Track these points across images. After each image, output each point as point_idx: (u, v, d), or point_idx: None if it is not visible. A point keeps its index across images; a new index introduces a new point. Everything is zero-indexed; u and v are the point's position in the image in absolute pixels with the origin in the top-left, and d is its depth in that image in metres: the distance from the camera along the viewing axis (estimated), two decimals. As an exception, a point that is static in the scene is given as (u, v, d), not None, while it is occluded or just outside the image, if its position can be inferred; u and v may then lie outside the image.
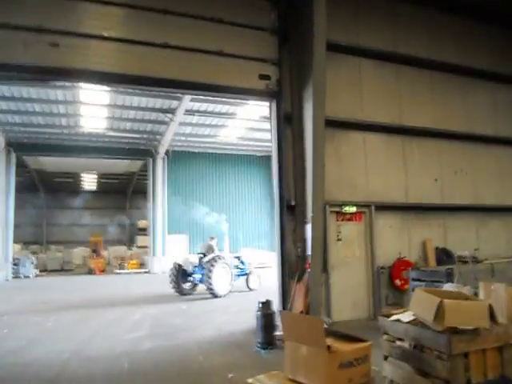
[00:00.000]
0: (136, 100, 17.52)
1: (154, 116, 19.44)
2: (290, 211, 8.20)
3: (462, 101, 10.56)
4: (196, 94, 13.23)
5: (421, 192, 9.71)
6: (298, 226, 8.17)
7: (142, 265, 24.85)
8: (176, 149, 24.27)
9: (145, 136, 22.10)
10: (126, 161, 25.72)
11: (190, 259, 13.58)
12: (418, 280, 7.26)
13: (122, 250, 29.13)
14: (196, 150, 25.06)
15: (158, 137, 22.17)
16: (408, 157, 9.71)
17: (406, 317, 4.18)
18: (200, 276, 12.98)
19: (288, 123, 8.37)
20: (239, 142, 24.21)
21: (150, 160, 24.00)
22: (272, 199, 25.92)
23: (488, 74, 10.78)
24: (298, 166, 8.32)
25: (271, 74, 8.28)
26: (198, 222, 24.52)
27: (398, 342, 4.18)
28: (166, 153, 23.90)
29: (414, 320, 4.09)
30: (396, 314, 4.43)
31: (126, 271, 23.51)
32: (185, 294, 13.22)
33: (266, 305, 6.94)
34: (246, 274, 14.30)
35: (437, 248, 9.72)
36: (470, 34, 10.72)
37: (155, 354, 6.55)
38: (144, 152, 23.56)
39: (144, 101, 17.69)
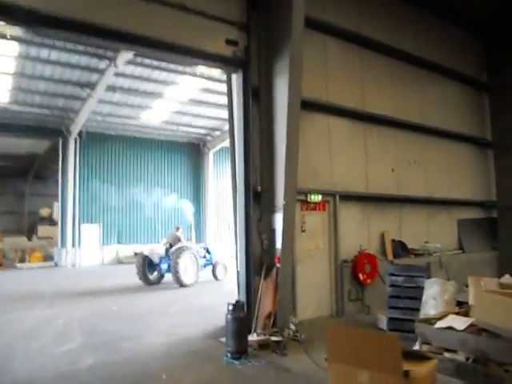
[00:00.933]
0: (49, 70, 15.16)
1: (68, 90, 17.10)
2: (256, 199, 7.22)
3: (417, 92, 10.45)
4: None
5: (380, 182, 9.36)
6: (264, 215, 7.24)
7: (47, 257, 22.05)
8: (91, 130, 21.75)
9: (56, 113, 19.42)
10: (29, 140, 22.55)
11: (155, 250, 13.59)
12: (396, 275, 6.74)
13: (21, 241, 25.70)
14: (113, 133, 22.75)
15: (71, 115, 19.66)
16: (369, 145, 9.28)
17: (460, 323, 3.48)
18: (166, 266, 13.03)
19: (255, 99, 7.36)
20: (163, 125, 22.51)
21: (60, 141, 21.32)
22: (196, 188, 24.74)
23: (440, 68, 10.78)
24: (264, 148, 7.37)
25: (239, 40, 7.18)
26: (113, 211, 22.49)
27: (448, 355, 3.47)
28: (79, 134, 21.34)
29: (471, 327, 3.41)
30: (439, 318, 3.73)
31: (28, 265, 20.63)
32: (151, 284, 13.17)
33: (238, 306, 5.93)
34: (213, 265, 14.24)
35: (393, 240, 9.45)
36: (427, 27, 10.62)
37: (101, 374, 5.20)
38: (53, 131, 20.78)
39: (58, 72, 15.37)
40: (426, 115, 10.48)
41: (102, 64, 14.89)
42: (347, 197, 8.63)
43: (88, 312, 9.17)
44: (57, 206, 23.48)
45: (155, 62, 15.13)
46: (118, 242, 22.70)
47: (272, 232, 7.17)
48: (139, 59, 14.74)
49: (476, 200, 11.76)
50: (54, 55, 14.12)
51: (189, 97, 18.81)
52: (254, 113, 7.32)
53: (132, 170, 23.40)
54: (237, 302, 6.02)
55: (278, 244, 6.97)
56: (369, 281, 8.43)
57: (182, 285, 12.53)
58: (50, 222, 28.69)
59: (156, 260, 13.21)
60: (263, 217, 7.23)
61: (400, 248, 9.45)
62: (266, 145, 7.37)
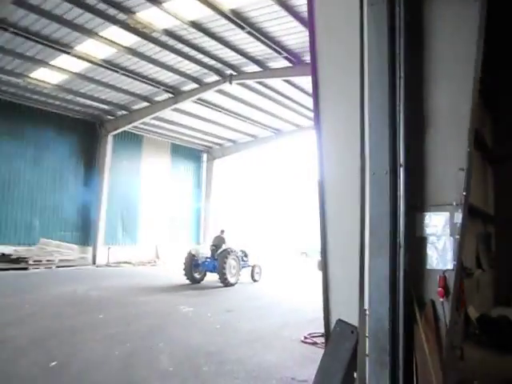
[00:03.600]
0: None
1: None
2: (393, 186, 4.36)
3: None
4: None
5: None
6: (411, 213, 4.42)
7: None
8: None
9: None
10: None
11: (200, 250, 14.95)
12: None
13: None
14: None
15: None
16: None
17: None
18: (211, 266, 14.09)
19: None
20: (54, 91, 17.32)
21: None
22: (88, 175, 19.70)
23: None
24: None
25: None
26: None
27: None
28: None
29: None
30: None
31: None
32: (196, 282, 14.20)
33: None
34: (250, 266, 15.32)
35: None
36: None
37: None
38: None
39: None
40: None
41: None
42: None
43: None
44: None
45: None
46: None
47: (418, 242, 4.40)
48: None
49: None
50: None
51: (103, 55, 14.52)
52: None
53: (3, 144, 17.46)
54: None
55: (444, 264, 4.24)
56: None
57: (226, 284, 13.62)
58: None
59: (202, 260, 14.31)
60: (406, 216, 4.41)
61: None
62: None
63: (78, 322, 7.64)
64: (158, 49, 14.07)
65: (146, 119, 19.93)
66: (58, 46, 13.46)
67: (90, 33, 12.87)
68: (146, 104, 19.03)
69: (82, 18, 12.06)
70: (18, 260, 16.55)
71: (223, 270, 13.54)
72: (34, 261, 16.83)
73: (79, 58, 14.31)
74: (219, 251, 14.14)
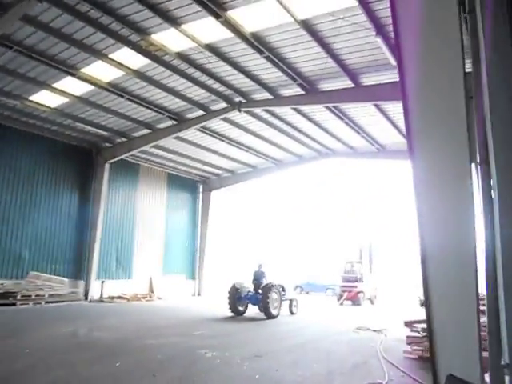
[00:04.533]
0: None
1: None
2: None
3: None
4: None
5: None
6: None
7: None
8: None
9: None
10: None
11: (243, 284, 15.50)
12: None
13: None
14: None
15: None
16: None
17: None
18: (254, 299, 14.92)
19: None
20: (53, 116, 16.49)
21: None
22: (83, 205, 18.66)
23: None
24: None
25: None
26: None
27: None
28: None
29: None
30: None
31: None
32: (239, 315, 14.90)
33: None
34: (287, 300, 16.03)
35: None
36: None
37: None
38: None
39: None
40: None
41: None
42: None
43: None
44: None
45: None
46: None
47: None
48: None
49: None
50: None
51: (109, 78, 13.88)
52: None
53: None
54: None
55: None
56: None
57: (269, 316, 14.30)
58: None
59: (244, 293, 15.13)
60: None
61: None
62: None
63: (94, 373, 6.58)
64: (167, 73, 13.50)
65: (146, 147, 19.15)
66: (64, 66, 12.78)
67: (99, 54, 12.25)
68: (146, 131, 18.31)
69: (93, 37, 11.46)
70: (6, 295, 15.20)
71: (267, 303, 14.27)
72: (23, 296, 15.49)
73: (84, 80, 13.61)
74: (262, 285, 15.01)
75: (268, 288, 14.62)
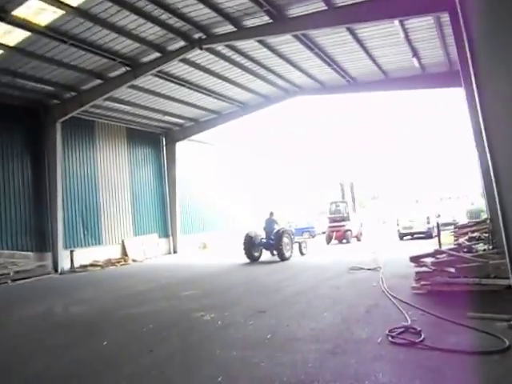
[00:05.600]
0: None
1: None
2: None
3: None
4: None
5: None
6: None
7: None
8: None
9: None
10: None
11: (256, 232, 16.72)
12: None
13: None
14: None
15: None
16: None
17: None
18: (268, 245, 16.33)
19: None
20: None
21: None
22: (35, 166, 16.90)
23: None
24: None
25: None
26: None
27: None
28: None
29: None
30: None
31: None
32: (254, 260, 16.15)
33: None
34: (298, 243, 17.24)
35: None
36: None
37: None
38: None
39: None
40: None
41: None
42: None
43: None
44: None
45: None
46: None
47: None
48: None
49: None
50: None
51: (48, 20, 11.96)
52: None
53: None
54: None
55: None
56: None
57: (283, 259, 15.46)
58: None
59: (258, 240, 16.37)
60: None
61: None
62: None
63: (80, 358, 5.60)
64: (115, 8, 11.70)
65: (99, 101, 17.32)
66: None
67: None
68: (98, 82, 16.43)
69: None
70: (-35, 277, 13.80)
71: (280, 247, 15.49)
72: (-16, 277, 14.11)
73: (17, 25, 11.63)
74: (274, 231, 15.98)
75: (280, 234, 15.73)
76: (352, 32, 14.05)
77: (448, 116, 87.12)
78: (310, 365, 4.62)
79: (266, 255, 16.80)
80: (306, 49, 15.23)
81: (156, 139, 24.37)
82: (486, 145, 4.76)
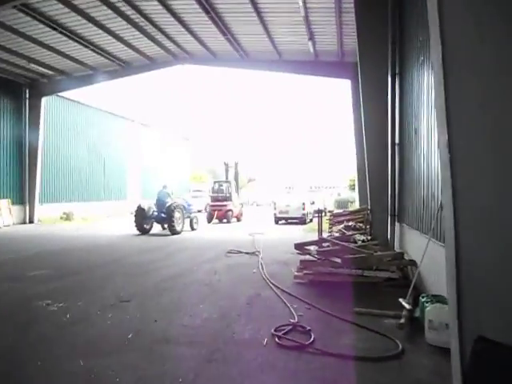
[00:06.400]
0: None
1: None
2: None
3: None
4: None
5: None
6: None
7: None
8: None
9: None
10: None
11: (149, 204, 16.47)
12: None
13: None
14: None
15: None
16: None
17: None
18: (160, 218, 16.21)
19: None
20: None
21: None
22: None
23: None
24: None
25: None
26: None
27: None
28: None
29: None
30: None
31: None
32: (145, 233, 15.99)
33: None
34: (190, 218, 17.46)
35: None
36: None
37: None
38: None
39: None
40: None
41: None
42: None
43: None
44: None
45: None
46: None
47: None
48: None
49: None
50: None
51: None
52: None
53: None
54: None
55: None
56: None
57: (174, 233, 15.71)
58: None
59: (150, 212, 16.20)
60: None
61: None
62: None
63: None
64: None
65: None
66: None
67: None
68: None
69: None
70: None
71: (172, 220, 15.59)
72: None
73: None
74: (167, 205, 15.87)
75: (172, 208, 15.75)
76: (253, 1, 13.10)
77: (332, 108, 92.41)
78: (180, 380, 3.62)
79: (157, 228, 16.78)
80: (202, 10, 13.88)
81: (17, 89, 20.77)
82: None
